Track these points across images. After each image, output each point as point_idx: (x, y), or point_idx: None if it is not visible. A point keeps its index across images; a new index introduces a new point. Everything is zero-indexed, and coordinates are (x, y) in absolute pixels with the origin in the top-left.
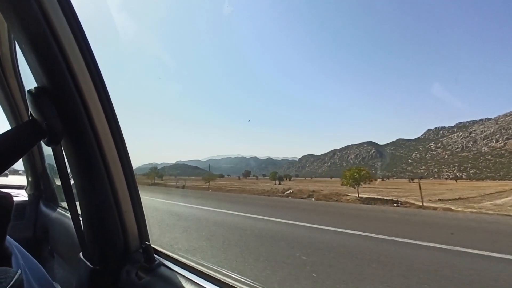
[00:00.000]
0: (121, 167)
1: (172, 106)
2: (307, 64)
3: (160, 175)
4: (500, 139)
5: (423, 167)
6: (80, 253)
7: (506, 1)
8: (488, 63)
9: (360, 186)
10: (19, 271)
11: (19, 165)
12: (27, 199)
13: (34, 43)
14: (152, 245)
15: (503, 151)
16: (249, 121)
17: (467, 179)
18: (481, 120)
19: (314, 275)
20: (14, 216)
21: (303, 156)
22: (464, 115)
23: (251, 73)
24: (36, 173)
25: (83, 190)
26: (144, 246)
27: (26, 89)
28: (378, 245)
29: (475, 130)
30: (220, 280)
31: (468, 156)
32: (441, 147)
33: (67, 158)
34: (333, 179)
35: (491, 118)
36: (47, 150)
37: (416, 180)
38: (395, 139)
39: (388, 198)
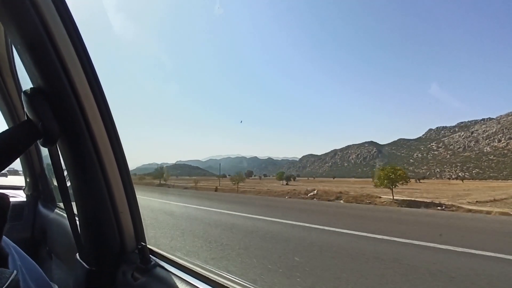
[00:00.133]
0: (117, 167)
1: (172, 106)
2: (307, 64)
3: (165, 175)
4: (503, 138)
5: (425, 167)
6: (77, 254)
7: (507, 0)
8: (488, 63)
9: (396, 187)
10: (15, 272)
11: (19, 165)
12: (25, 199)
13: (29, 44)
14: (148, 246)
15: (505, 151)
16: (241, 121)
17: (469, 179)
18: (483, 119)
19: None
20: (12, 217)
21: (303, 156)
22: (465, 115)
23: (251, 73)
24: (34, 173)
25: (79, 190)
26: (140, 247)
27: (23, 90)
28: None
29: (477, 130)
30: (216, 282)
31: (470, 156)
32: (443, 147)
33: (63, 158)
34: (335, 179)
35: (493, 118)
36: (45, 151)
37: (423, 180)
38: (396, 139)
39: (428, 200)
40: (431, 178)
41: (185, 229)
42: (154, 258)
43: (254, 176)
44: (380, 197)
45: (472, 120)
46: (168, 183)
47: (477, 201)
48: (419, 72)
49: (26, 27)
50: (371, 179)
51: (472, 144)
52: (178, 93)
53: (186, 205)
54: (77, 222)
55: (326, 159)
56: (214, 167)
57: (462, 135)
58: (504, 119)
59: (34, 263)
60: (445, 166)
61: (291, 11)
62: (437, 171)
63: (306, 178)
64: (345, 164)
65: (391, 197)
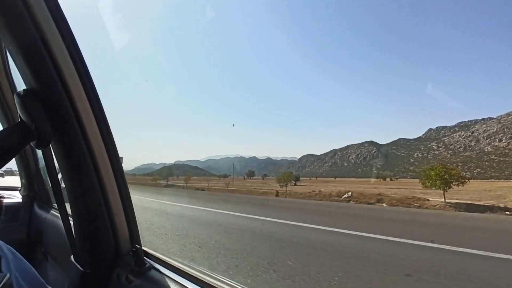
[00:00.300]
0: (112, 169)
1: (171, 107)
2: (306, 63)
3: (170, 175)
4: (504, 138)
5: (425, 167)
6: (71, 256)
7: (507, 0)
8: (488, 62)
9: (451, 188)
10: (8, 275)
11: (16, 166)
12: (21, 200)
13: (22, 45)
14: (143, 248)
15: (506, 150)
16: (233, 125)
17: (471, 179)
18: (483, 119)
19: None
20: (7, 218)
21: (303, 156)
22: (464, 115)
23: (250, 73)
24: (30, 174)
25: (73, 192)
26: (134, 249)
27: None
28: None
29: (477, 130)
30: (211, 285)
31: (471, 155)
32: (443, 146)
33: (57, 160)
34: (337, 179)
35: (493, 118)
36: (41, 152)
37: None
38: (395, 139)
39: (488, 204)
40: None
41: None
42: (148, 260)
43: (256, 176)
44: (428, 199)
45: (472, 120)
46: (173, 183)
47: None
48: (419, 72)
49: (18, 29)
50: (377, 179)
51: (472, 143)
52: (177, 94)
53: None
54: (72, 224)
55: (325, 159)
56: (213, 167)
57: (463, 135)
58: (504, 118)
59: (29, 265)
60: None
61: (291, 11)
62: None
63: (308, 178)
64: (345, 164)
65: (442, 200)
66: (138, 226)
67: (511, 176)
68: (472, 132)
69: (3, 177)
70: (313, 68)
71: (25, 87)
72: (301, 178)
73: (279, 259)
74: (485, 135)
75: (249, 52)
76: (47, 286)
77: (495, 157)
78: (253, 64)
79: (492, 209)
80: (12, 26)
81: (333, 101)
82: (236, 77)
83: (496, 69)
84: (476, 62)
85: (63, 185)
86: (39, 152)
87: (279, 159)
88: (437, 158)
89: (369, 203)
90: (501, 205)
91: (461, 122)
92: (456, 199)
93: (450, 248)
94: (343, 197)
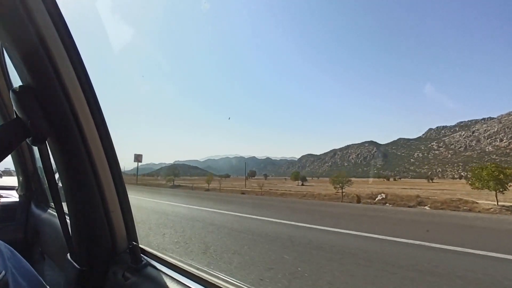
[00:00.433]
0: (108, 166)
1: (170, 106)
2: (306, 63)
3: (177, 175)
4: (505, 138)
5: (426, 167)
6: (68, 254)
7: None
8: (487, 62)
9: (507, 190)
10: (3, 272)
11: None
12: (18, 200)
13: (18, 41)
14: (140, 245)
15: (508, 150)
16: (229, 118)
17: None
18: (483, 119)
19: None
20: (4, 217)
21: (302, 156)
22: (463, 115)
23: (250, 73)
24: (27, 174)
25: (69, 190)
26: (131, 246)
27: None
28: None
29: (478, 129)
30: (208, 281)
31: (472, 155)
32: (444, 146)
33: (53, 158)
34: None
35: (493, 117)
36: (38, 151)
37: (436, 180)
38: (395, 139)
39: None
40: (435, 178)
41: None
42: (145, 257)
43: (257, 176)
44: (476, 202)
45: (472, 120)
46: (179, 183)
47: None
48: (419, 71)
49: (14, 25)
50: (381, 180)
51: (473, 143)
52: (176, 93)
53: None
54: (68, 222)
55: (325, 159)
56: (212, 167)
57: (463, 135)
58: (505, 118)
59: (27, 263)
60: (447, 166)
61: (291, 10)
62: (439, 171)
63: (311, 178)
64: (345, 164)
65: (494, 203)
66: (135, 223)
67: None
68: (473, 132)
69: (1, 177)
70: (312, 67)
71: (21, 84)
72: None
73: None
74: (486, 135)
75: (248, 52)
76: (45, 284)
77: (497, 157)
78: (253, 63)
79: None
80: (8, 22)
81: (332, 101)
82: (236, 77)
83: (496, 69)
84: (476, 62)
85: (60, 183)
86: (36, 152)
87: (278, 159)
88: (438, 158)
89: (409, 206)
90: None
91: (461, 122)
92: (510, 202)
93: None
94: (376, 199)
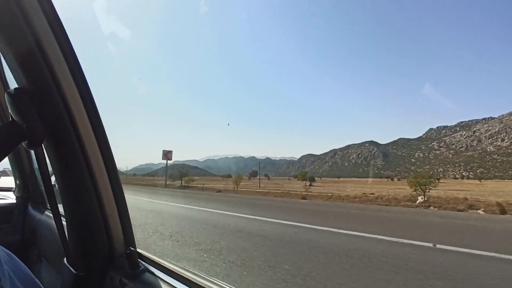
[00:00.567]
0: (106, 169)
1: (169, 106)
2: (306, 63)
3: (184, 175)
4: (506, 138)
5: (427, 167)
6: (65, 258)
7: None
8: (486, 62)
9: None
10: None
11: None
12: (15, 201)
13: (13, 42)
14: (138, 250)
15: (509, 150)
16: (228, 124)
17: (474, 179)
18: (484, 119)
19: None
20: (1, 219)
21: (302, 156)
22: (464, 115)
23: (249, 73)
24: (24, 175)
25: (66, 193)
26: (128, 251)
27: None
28: None
29: (479, 129)
30: None
31: (473, 155)
32: (444, 146)
33: (49, 160)
34: (340, 179)
35: (494, 117)
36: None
37: (442, 180)
38: (396, 139)
39: None
40: (440, 178)
41: None
42: (143, 263)
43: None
44: None
45: (473, 120)
46: (188, 184)
47: None
48: (418, 71)
49: (10, 26)
50: (380, 180)
51: (474, 143)
52: (175, 93)
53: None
54: (65, 226)
55: (326, 159)
56: (212, 167)
57: (464, 135)
58: (506, 118)
59: (24, 266)
60: (448, 166)
61: (290, 10)
62: (440, 171)
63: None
64: (346, 164)
65: None
66: (132, 227)
67: None
68: (474, 132)
69: None
70: (312, 67)
71: (17, 86)
72: (298, 180)
73: None
74: (487, 134)
75: (247, 51)
76: (41, 287)
77: (498, 157)
78: (252, 63)
79: None
80: (3, 23)
81: (332, 101)
82: (235, 76)
83: (496, 68)
84: (475, 62)
85: (56, 186)
86: (34, 153)
87: (278, 159)
88: (439, 158)
89: (458, 210)
90: None
91: (462, 122)
92: None
93: None
94: (417, 202)
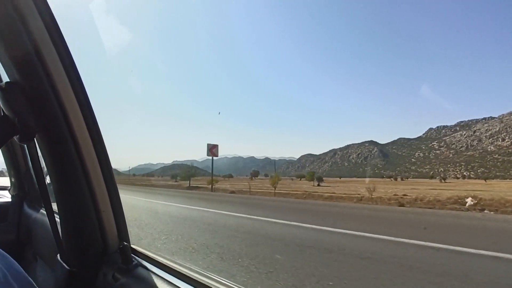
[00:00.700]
0: (99, 164)
1: (167, 106)
2: (304, 63)
3: (193, 175)
4: (507, 137)
5: (428, 167)
6: (58, 255)
7: None
8: (486, 62)
9: None
10: None
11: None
12: (10, 200)
13: (4, 36)
14: (132, 246)
15: (510, 150)
16: (219, 113)
17: (475, 178)
18: (484, 118)
19: None
20: None
21: (302, 156)
22: (464, 114)
23: (247, 72)
24: (19, 173)
25: (59, 189)
26: (121, 246)
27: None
28: None
29: (479, 129)
30: (200, 282)
31: (474, 155)
32: (445, 146)
33: (42, 156)
34: (341, 179)
35: (494, 117)
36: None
37: (450, 181)
38: (396, 138)
39: None
40: (436, 178)
41: None
42: (136, 258)
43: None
44: None
45: (473, 119)
46: (197, 184)
47: None
48: (418, 71)
49: (1, 19)
50: (382, 179)
51: (475, 143)
52: (173, 93)
53: None
54: (58, 222)
55: (325, 159)
56: (211, 167)
57: (464, 134)
58: (506, 118)
59: (18, 265)
60: (449, 165)
61: (289, 10)
62: (441, 171)
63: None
64: (346, 164)
65: None
66: (126, 222)
67: None
68: (474, 132)
69: None
70: (311, 67)
71: (8, 80)
72: (302, 179)
73: None
74: (487, 134)
75: (247, 51)
76: (36, 286)
77: (499, 157)
78: (251, 62)
79: None
80: None
81: (331, 100)
82: (233, 75)
83: (495, 68)
84: (475, 62)
85: (48, 181)
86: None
87: (277, 159)
88: (439, 157)
89: None
90: None
91: (461, 122)
92: None
93: None
94: (467, 205)
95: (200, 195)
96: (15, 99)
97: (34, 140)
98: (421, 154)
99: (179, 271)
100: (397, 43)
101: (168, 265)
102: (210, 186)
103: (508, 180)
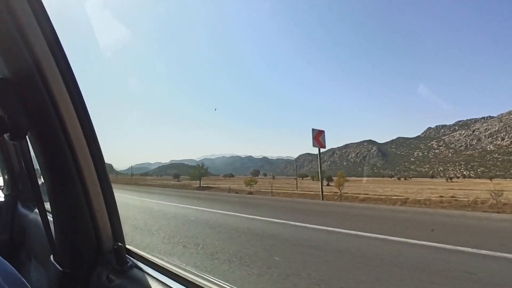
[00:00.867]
0: (93, 163)
1: (164, 105)
2: (305, 63)
3: (204, 175)
4: (506, 137)
5: (427, 166)
6: (51, 256)
7: None
8: (485, 61)
9: None
10: None
11: None
12: (3, 200)
13: None
14: (127, 246)
15: (510, 149)
16: (215, 109)
17: (475, 178)
18: (483, 118)
19: None
20: None
21: (300, 155)
22: (463, 114)
23: (246, 71)
24: (13, 172)
25: (52, 188)
26: (116, 247)
27: None
28: None
29: (478, 128)
30: (194, 283)
31: (474, 154)
32: (444, 145)
33: (35, 154)
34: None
35: (493, 116)
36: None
37: (455, 180)
38: (394, 138)
39: None
40: (436, 177)
41: None
42: (131, 258)
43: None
44: None
45: (471, 119)
46: (207, 184)
47: None
48: (416, 71)
49: None
50: (382, 179)
51: (474, 142)
52: (171, 92)
53: None
54: (52, 222)
55: (324, 158)
56: (209, 166)
57: (463, 134)
58: (506, 117)
59: (11, 266)
60: (449, 165)
61: (288, 9)
62: (440, 170)
63: (311, 178)
64: (344, 163)
65: None
66: (121, 222)
67: None
68: (473, 131)
69: None
70: (309, 66)
71: None
72: (304, 179)
73: None
74: (486, 133)
75: (245, 50)
76: (29, 286)
77: (499, 156)
78: (249, 62)
79: None
80: None
81: (330, 100)
82: (232, 75)
83: (494, 68)
84: (474, 62)
85: (42, 180)
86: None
87: (275, 158)
88: (438, 157)
89: None
90: None
91: (460, 121)
92: None
93: None
94: None
95: (246, 199)
96: (6, 95)
97: (26, 138)
98: (420, 154)
99: (174, 272)
100: (396, 43)
101: (163, 266)
102: (247, 186)
103: (508, 179)
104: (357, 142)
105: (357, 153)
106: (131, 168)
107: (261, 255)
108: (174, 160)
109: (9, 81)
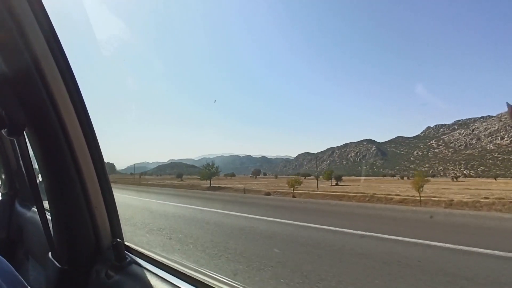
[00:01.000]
0: (92, 160)
1: (163, 104)
2: (305, 63)
3: (214, 174)
4: (506, 136)
5: (427, 165)
6: (49, 253)
7: None
8: (485, 61)
9: None
10: None
11: None
12: (0, 198)
13: None
14: (125, 242)
15: (510, 148)
16: (215, 101)
17: (475, 177)
18: (482, 117)
19: None
20: None
21: (299, 155)
22: (462, 113)
23: (245, 71)
24: (11, 171)
25: (50, 186)
26: (114, 243)
27: None
28: None
29: (477, 128)
30: (194, 278)
31: (473, 153)
32: (443, 144)
33: (33, 151)
34: (344, 178)
35: (493, 116)
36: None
37: (461, 179)
38: (394, 137)
39: None
40: (436, 177)
41: None
42: (129, 255)
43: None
44: None
45: (471, 118)
46: (218, 184)
47: None
48: (415, 71)
49: None
50: (383, 178)
51: (473, 141)
52: (169, 91)
53: None
54: (50, 219)
55: (323, 158)
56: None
57: (463, 133)
58: (505, 116)
59: (9, 264)
60: (448, 164)
61: (287, 9)
62: (440, 169)
63: (312, 177)
64: (344, 163)
65: None
66: (119, 219)
67: None
68: (473, 130)
69: None
70: (308, 66)
71: None
72: (306, 178)
73: None
74: (486, 133)
75: (244, 49)
76: (26, 285)
77: (499, 155)
78: (248, 61)
79: None
80: None
81: (329, 100)
82: (230, 74)
83: (494, 67)
84: (474, 61)
85: (40, 178)
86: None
87: (273, 157)
88: (438, 156)
89: None
90: None
91: (459, 120)
92: None
93: None
94: None
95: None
96: (3, 91)
97: (24, 135)
98: (420, 153)
99: (173, 267)
100: (395, 43)
101: (162, 261)
102: (291, 188)
103: (509, 178)
104: (356, 142)
105: (357, 152)
106: (134, 167)
107: None
108: (173, 160)
109: (6, 77)
